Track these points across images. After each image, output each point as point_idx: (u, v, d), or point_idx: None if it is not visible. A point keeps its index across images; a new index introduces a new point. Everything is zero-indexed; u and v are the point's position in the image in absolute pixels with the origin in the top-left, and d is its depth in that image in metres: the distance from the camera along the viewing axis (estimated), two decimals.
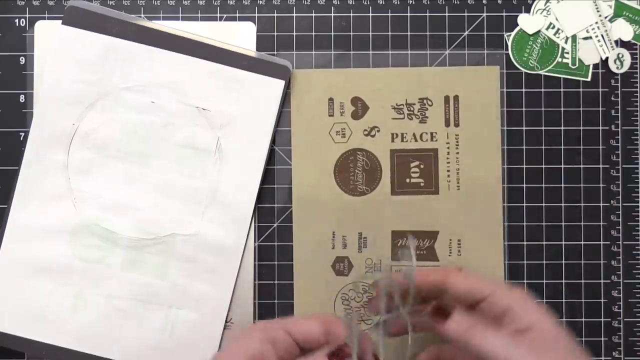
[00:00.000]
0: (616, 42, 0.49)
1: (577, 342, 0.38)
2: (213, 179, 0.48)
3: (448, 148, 0.48)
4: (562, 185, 0.49)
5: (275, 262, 0.49)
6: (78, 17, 0.48)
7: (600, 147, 0.49)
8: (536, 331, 0.37)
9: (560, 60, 0.49)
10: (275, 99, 0.48)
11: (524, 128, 0.49)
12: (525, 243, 0.49)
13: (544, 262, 0.49)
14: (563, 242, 0.49)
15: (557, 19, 0.49)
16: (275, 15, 0.50)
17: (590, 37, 0.49)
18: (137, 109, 0.48)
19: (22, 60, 0.49)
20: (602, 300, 0.49)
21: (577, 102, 0.49)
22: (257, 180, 0.48)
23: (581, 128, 0.49)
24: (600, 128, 0.49)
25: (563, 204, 0.49)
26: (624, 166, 0.49)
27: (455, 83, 0.48)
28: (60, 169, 0.48)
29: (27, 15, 0.49)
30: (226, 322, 0.48)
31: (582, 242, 0.49)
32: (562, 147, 0.49)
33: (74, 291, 0.48)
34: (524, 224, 0.49)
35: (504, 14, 0.50)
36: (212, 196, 0.48)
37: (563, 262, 0.49)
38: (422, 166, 0.49)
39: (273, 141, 0.49)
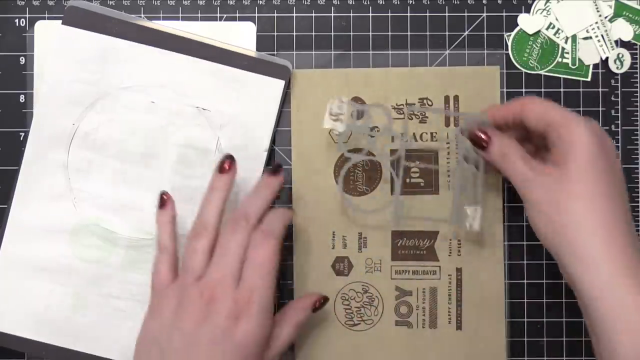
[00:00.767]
0: (616, 42, 0.49)
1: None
2: None
3: (448, 148, 0.48)
4: None
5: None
6: (78, 17, 0.48)
7: None
8: (571, 172, 0.39)
9: (560, 60, 0.49)
10: (275, 99, 0.48)
11: None
12: (525, 243, 0.49)
13: (544, 262, 0.49)
14: None
15: (557, 19, 0.49)
16: (275, 15, 0.50)
17: (590, 37, 0.49)
18: (137, 109, 0.48)
19: (22, 60, 0.49)
20: None
21: (577, 102, 0.49)
22: (257, 180, 0.48)
23: None
24: None
25: None
26: (624, 166, 0.49)
27: (455, 83, 0.48)
28: (60, 169, 0.48)
29: (27, 15, 0.49)
30: None
31: None
32: None
33: (73, 291, 0.48)
34: (524, 224, 0.49)
35: (504, 14, 0.50)
36: None
37: None
38: (422, 166, 0.49)
39: (273, 141, 0.49)
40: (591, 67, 0.49)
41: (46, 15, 0.49)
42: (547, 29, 0.49)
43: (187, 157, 0.48)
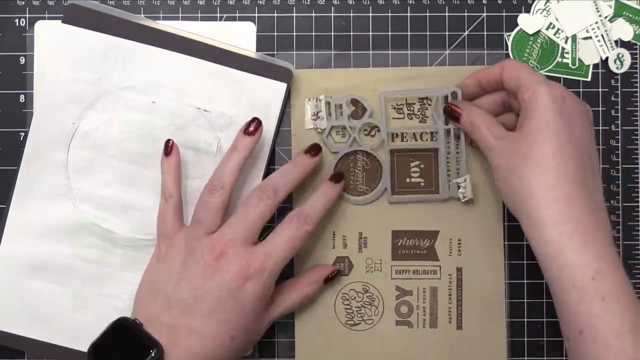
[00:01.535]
0: (616, 42, 0.49)
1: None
2: None
3: (448, 148, 0.48)
4: None
5: None
6: (78, 16, 0.48)
7: (600, 147, 0.49)
8: (526, 136, 0.40)
9: (560, 60, 0.49)
10: (277, 101, 0.48)
11: None
12: (525, 243, 0.49)
13: None
14: None
15: (557, 19, 0.49)
16: (275, 15, 0.50)
17: (590, 37, 0.49)
18: (138, 108, 0.48)
19: (22, 60, 0.49)
20: None
21: None
22: (258, 180, 0.48)
23: None
24: (600, 128, 0.49)
25: None
26: (623, 166, 0.49)
27: (455, 83, 0.48)
28: (60, 169, 0.48)
29: (27, 15, 0.49)
30: None
31: None
32: None
33: (73, 291, 0.48)
34: None
35: (504, 14, 0.50)
36: None
37: None
38: (422, 166, 0.49)
39: (273, 141, 0.49)
40: (591, 67, 0.50)
41: (46, 15, 0.49)
42: (547, 29, 0.49)
43: (187, 157, 0.48)
